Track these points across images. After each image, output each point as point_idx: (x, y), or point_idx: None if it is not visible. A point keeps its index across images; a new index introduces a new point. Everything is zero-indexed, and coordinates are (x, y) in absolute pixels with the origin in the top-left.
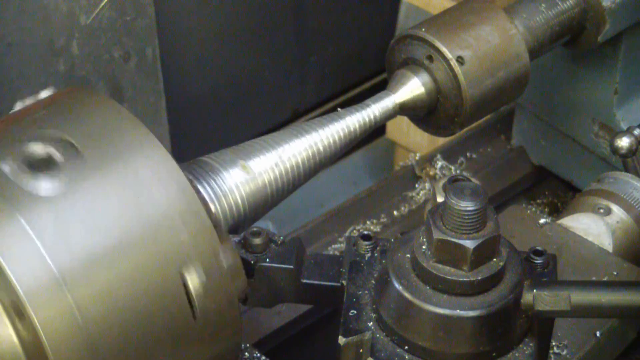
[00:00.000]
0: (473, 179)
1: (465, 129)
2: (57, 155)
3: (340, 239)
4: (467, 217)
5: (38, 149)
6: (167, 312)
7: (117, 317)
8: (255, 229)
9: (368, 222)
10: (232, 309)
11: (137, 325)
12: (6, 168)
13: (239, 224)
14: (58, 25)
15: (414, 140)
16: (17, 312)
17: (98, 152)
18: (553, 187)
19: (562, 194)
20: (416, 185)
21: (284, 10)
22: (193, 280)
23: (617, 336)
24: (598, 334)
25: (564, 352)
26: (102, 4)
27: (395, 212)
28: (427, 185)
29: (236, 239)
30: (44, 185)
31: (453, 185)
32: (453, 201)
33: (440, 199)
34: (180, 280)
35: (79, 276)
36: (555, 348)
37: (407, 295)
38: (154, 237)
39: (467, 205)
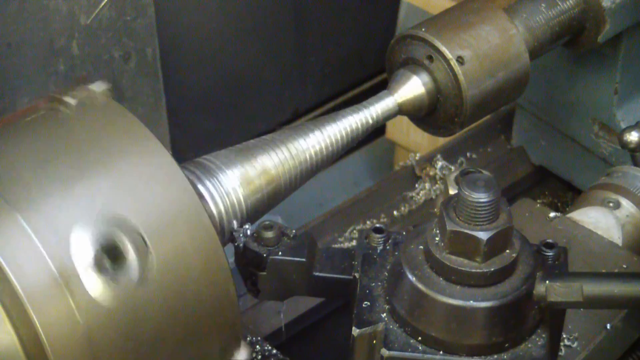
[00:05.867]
0: (485, 171)
1: (465, 129)
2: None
3: (340, 239)
4: (480, 208)
5: None
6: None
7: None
8: (267, 222)
9: (368, 222)
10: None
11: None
12: None
13: (240, 224)
14: (58, 25)
15: (414, 140)
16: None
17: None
18: (553, 187)
19: (562, 194)
20: (416, 185)
21: (284, 10)
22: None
23: (627, 328)
24: (608, 326)
25: (575, 345)
26: (102, 4)
27: (395, 212)
28: (427, 185)
29: (249, 231)
30: None
31: (466, 177)
32: (466, 192)
33: (452, 192)
34: None
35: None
36: (566, 340)
37: (420, 286)
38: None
39: (480, 197)
